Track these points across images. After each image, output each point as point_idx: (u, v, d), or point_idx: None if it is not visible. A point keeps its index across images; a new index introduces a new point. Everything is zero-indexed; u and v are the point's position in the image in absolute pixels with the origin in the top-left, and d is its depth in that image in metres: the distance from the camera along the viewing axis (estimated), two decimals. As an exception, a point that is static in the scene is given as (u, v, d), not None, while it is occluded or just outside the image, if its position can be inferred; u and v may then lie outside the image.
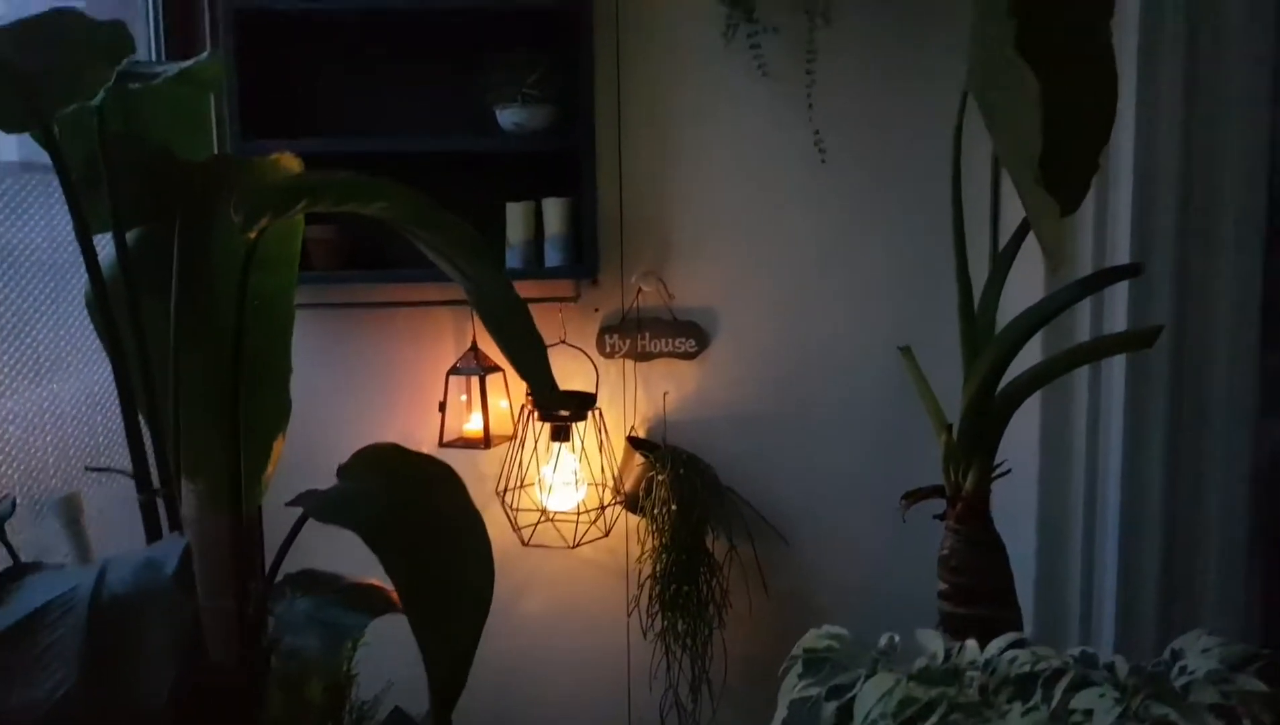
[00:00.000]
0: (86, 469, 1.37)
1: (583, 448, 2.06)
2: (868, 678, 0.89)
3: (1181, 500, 1.63)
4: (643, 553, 2.08)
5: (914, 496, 1.58)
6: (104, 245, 1.64)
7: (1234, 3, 1.57)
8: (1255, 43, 1.59)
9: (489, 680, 2.21)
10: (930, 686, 0.85)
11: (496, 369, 2.07)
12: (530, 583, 2.20)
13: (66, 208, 1.59)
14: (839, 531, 2.17)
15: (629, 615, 2.15)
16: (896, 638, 1.05)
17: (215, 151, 1.50)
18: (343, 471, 1.08)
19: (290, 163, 1.43)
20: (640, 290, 2.13)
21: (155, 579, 0.91)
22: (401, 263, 2.06)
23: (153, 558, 0.93)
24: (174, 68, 1.24)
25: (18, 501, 1.15)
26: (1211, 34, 1.58)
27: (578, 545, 2.05)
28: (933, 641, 0.95)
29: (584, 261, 2.03)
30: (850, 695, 0.91)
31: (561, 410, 2.00)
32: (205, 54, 1.35)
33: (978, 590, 1.48)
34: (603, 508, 2.07)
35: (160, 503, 1.16)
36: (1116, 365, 1.57)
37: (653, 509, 2.01)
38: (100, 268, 1.25)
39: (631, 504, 2.06)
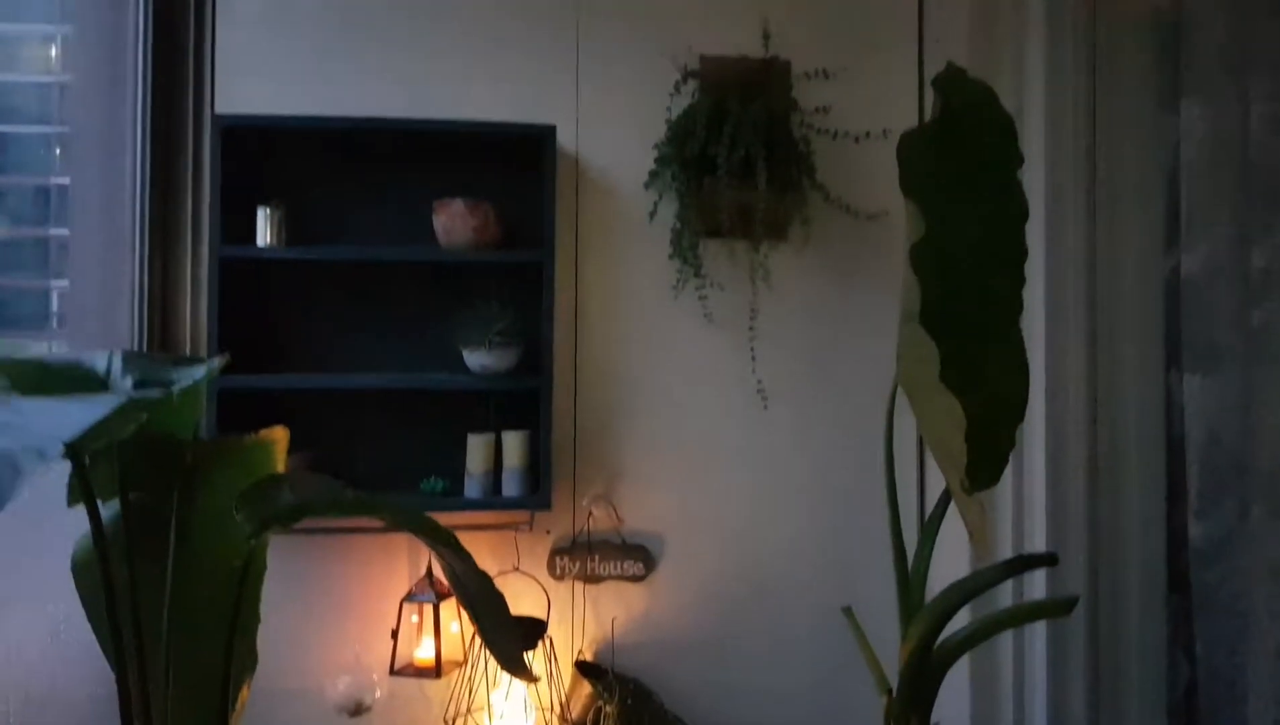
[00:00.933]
0: None
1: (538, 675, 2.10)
2: None
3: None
4: (592, 790, 2.09)
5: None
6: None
7: (1127, 263, 1.83)
8: (1149, 320, 1.86)
9: None
10: None
11: (450, 595, 2.12)
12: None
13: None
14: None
15: (573, 848, 2.13)
16: None
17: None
18: None
19: (277, 435, 1.54)
20: (591, 514, 2.24)
21: None
22: (361, 487, 2.14)
23: None
24: (187, 380, 1.34)
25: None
26: (1107, 287, 1.83)
27: (526, 781, 2.06)
28: None
29: (539, 493, 2.13)
30: None
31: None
32: (209, 366, 1.44)
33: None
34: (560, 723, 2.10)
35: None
36: (1039, 628, 1.72)
37: (602, 739, 2.05)
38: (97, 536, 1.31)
39: (579, 734, 2.09)
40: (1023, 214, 1.54)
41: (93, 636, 1.76)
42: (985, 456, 1.42)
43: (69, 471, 1.37)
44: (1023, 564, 1.50)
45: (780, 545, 2.26)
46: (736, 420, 2.27)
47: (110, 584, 1.26)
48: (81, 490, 1.25)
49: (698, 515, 2.26)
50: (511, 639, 1.30)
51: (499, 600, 1.28)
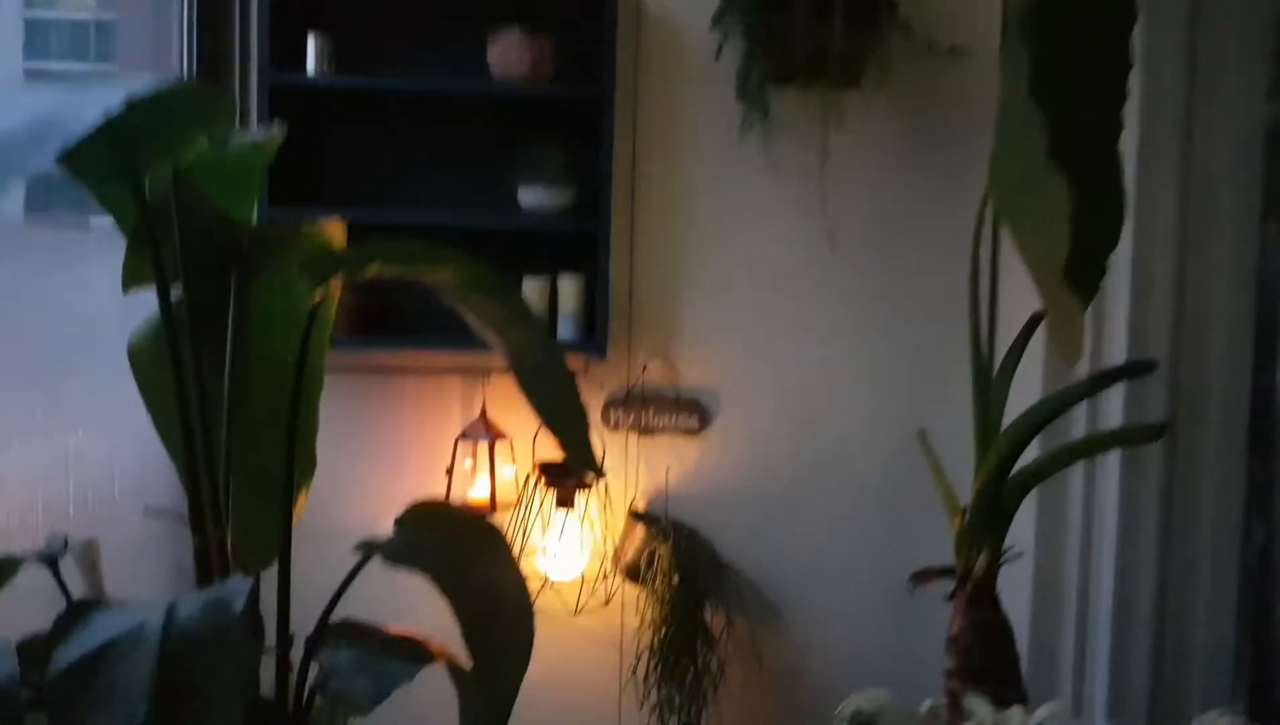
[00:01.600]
0: (145, 512, 1.36)
1: (585, 517, 2.08)
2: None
3: (1172, 589, 1.70)
4: (641, 624, 2.09)
5: (923, 577, 1.63)
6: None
7: (1225, 105, 1.72)
8: (1247, 151, 1.74)
9: None
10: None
11: (504, 436, 2.10)
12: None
13: (97, 264, 1.63)
14: (834, 610, 2.20)
15: (622, 688, 2.14)
16: (941, 702, 1.08)
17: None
18: (400, 523, 1.11)
19: (336, 230, 1.49)
20: (645, 367, 2.19)
21: (225, 618, 0.92)
22: (414, 329, 2.11)
23: (221, 598, 0.94)
24: (245, 139, 1.30)
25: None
26: (1204, 131, 1.71)
27: (579, 612, 2.05)
28: (979, 707, 0.98)
29: (594, 338, 2.09)
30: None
31: (571, 479, 2.04)
32: (267, 130, 1.40)
33: (986, 670, 1.52)
34: (604, 577, 2.09)
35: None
36: (1111, 458, 1.65)
37: (654, 581, 2.03)
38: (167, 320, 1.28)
39: (633, 574, 2.08)
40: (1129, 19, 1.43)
41: (148, 445, 1.77)
42: (1084, 263, 1.34)
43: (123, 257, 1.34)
44: (1118, 374, 1.43)
45: (843, 396, 2.20)
46: (801, 269, 2.19)
47: (179, 367, 1.22)
48: (151, 259, 1.21)
49: (757, 368, 2.21)
50: (579, 422, 1.25)
51: (566, 378, 1.24)
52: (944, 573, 1.59)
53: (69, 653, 0.87)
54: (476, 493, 2.10)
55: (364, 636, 1.12)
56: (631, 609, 2.15)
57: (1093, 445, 1.52)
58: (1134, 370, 1.41)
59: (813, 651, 2.20)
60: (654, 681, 2.05)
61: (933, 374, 2.17)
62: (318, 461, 1.52)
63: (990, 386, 1.55)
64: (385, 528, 2.06)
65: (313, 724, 1.09)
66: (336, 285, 1.59)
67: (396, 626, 1.18)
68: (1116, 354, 1.65)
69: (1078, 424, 1.69)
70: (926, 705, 1.08)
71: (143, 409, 1.71)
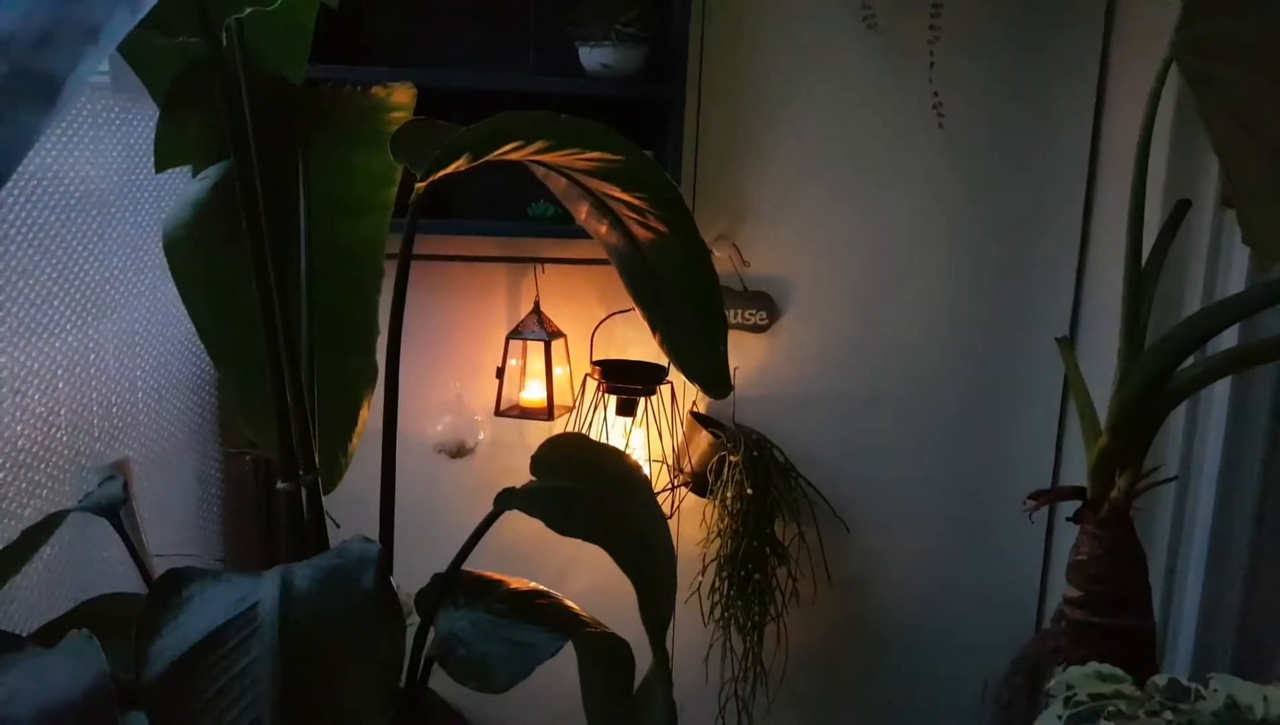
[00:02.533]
0: (226, 452, 1.15)
1: (648, 424, 1.91)
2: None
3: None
4: (709, 536, 1.95)
5: (1045, 497, 1.49)
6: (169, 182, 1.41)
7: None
8: None
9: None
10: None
11: (560, 335, 1.89)
12: (588, 560, 2.05)
13: (116, 135, 1.36)
14: (904, 522, 2.08)
15: (684, 601, 2.02)
16: (1181, 681, 0.94)
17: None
18: (537, 464, 0.92)
19: (403, 95, 1.23)
20: (712, 254, 1.97)
21: (354, 594, 0.73)
22: (462, 213, 1.87)
23: (345, 567, 0.75)
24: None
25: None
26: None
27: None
28: (1247, 693, 0.84)
29: (663, 222, 1.86)
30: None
31: (624, 368, 1.87)
32: None
33: (1117, 599, 1.40)
34: (672, 488, 1.93)
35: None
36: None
37: (724, 492, 1.88)
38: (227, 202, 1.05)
39: (700, 486, 1.93)
40: None
41: (173, 345, 1.54)
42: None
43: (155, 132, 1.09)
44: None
45: (927, 294, 2.01)
46: (899, 145, 1.95)
47: (258, 259, 0.99)
48: (200, 129, 0.96)
49: (833, 258, 2.00)
50: (715, 339, 1.06)
51: (714, 287, 1.04)
52: (1073, 493, 1.45)
53: (170, 645, 0.68)
54: (529, 396, 1.91)
55: (487, 593, 0.95)
56: (694, 519, 2.01)
57: (1255, 355, 1.36)
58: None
59: (878, 564, 2.09)
60: (720, 596, 1.94)
61: (1037, 277, 1.99)
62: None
63: (1139, 285, 1.37)
64: (426, 431, 1.88)
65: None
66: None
67: (513, 579, 1.00)
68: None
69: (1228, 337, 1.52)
70: (1163, 681, 0.94)
71: (159, 304, 1.48)
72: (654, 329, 1.17)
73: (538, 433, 1.95)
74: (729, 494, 1.87)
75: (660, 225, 1.02)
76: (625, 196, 1.01)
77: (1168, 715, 0.86)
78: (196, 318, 1.18)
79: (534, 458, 0.92)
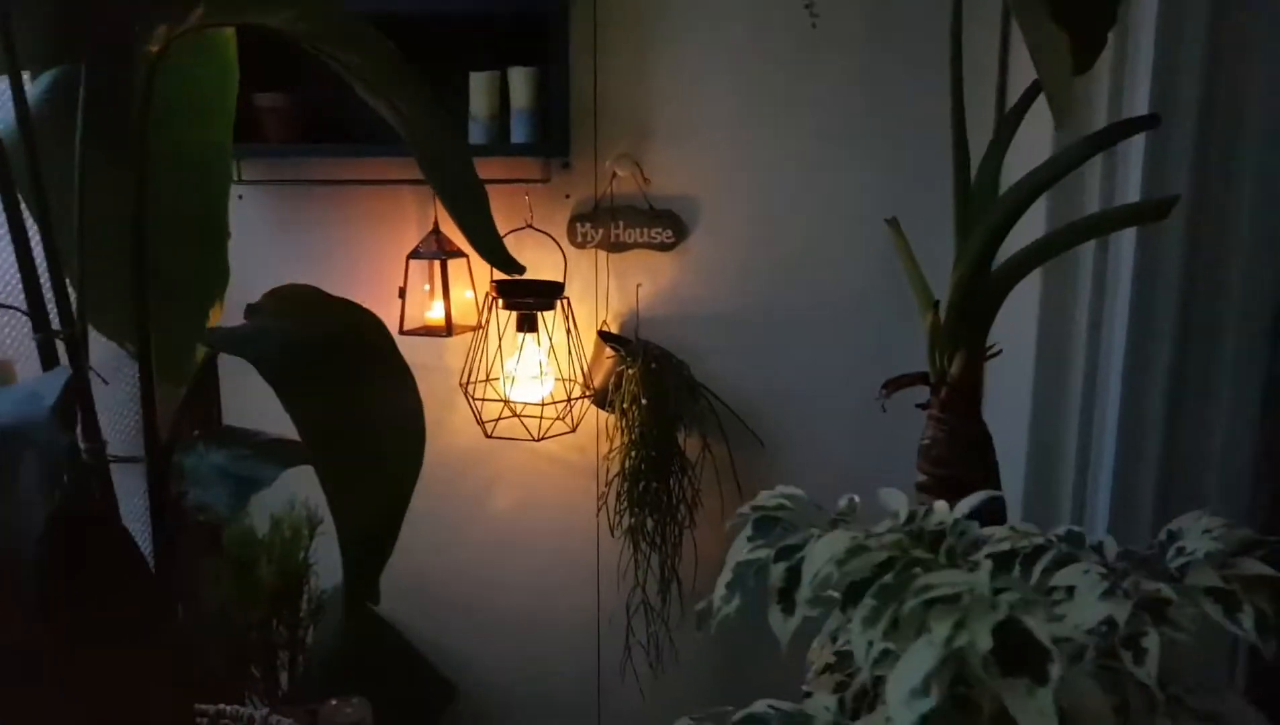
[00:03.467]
0: None
1: (550, 340, 1.95)
2: (820, 538, 0.79)
3: (1189, 385, 1.51)
4: (611, 449, 1.99)
5: (895, 384, 1.47)
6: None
7: None
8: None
9: (455, 572, 2.16)
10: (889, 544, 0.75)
11: (460, 254, 1.94)
12: (496, 477, 2.12)
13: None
14: (817, 432, 2.07)
15: (598, 513, 2.07)
16: (856, 498, 0.95)
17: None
18: (252, 310, 0.97)
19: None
20: (615, 175, 2.00)
21: (34, 411, 0.80)
22: (361, 137, 1.93)
23: (35, 390, 0.82)
24: None
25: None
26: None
27: (542, 439, 1.95)
28: (896, 500, 0.85)
29: (553, 138, 1.89)
30: (800, 556, 0.81)
31: (521, 286, 1.90)
32: None
33: (961, 483, 1.38)
34: (570, 401, 1.97)
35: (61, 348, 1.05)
36: (1126, 240, 1.44)
37: (622, 404, 1.91)
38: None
39: (600, 399, 1.96)
40: None
41: None
42: (1080, 15, 1.10)
43: None
44: (1115, 132, 1.21)
45: (828, 205, 1.99)
46: (804, 61, 1.92)
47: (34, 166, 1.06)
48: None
49: (736, 174, 1.99)
50: (481, 211, 1.09)
51: (467, 163, 1.06)
52: (920, 378, 1.43)
53: None
54: (433, 315, 1.97)
55: (236, 441, 1.01)
56: (603, 435, 2.05)
57: (1090, 227, 1.31)
58: (1135, 126, 1.18)
59: (792, 475, 2.06)
60: (625, 507, 1.97)
61: (921, 156, 1.93)
62: (255, 281, 1.36)
63: (982, 163, 1.33)
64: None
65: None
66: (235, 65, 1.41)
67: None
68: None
69: (1091, 205, 1.47)
70: (844, 501, 0.95)
71: None
72: (444, 206, 1.21)
73: (455, 353, 2.01)
74: (626, 405, 1.90)
75: (395, 91, 1.05)
76: (353, 60, 1.04)
77: (844, 524, 0.87)
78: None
79: (250, 306, 0.97)
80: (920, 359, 1.46)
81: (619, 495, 1.98)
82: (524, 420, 1.95)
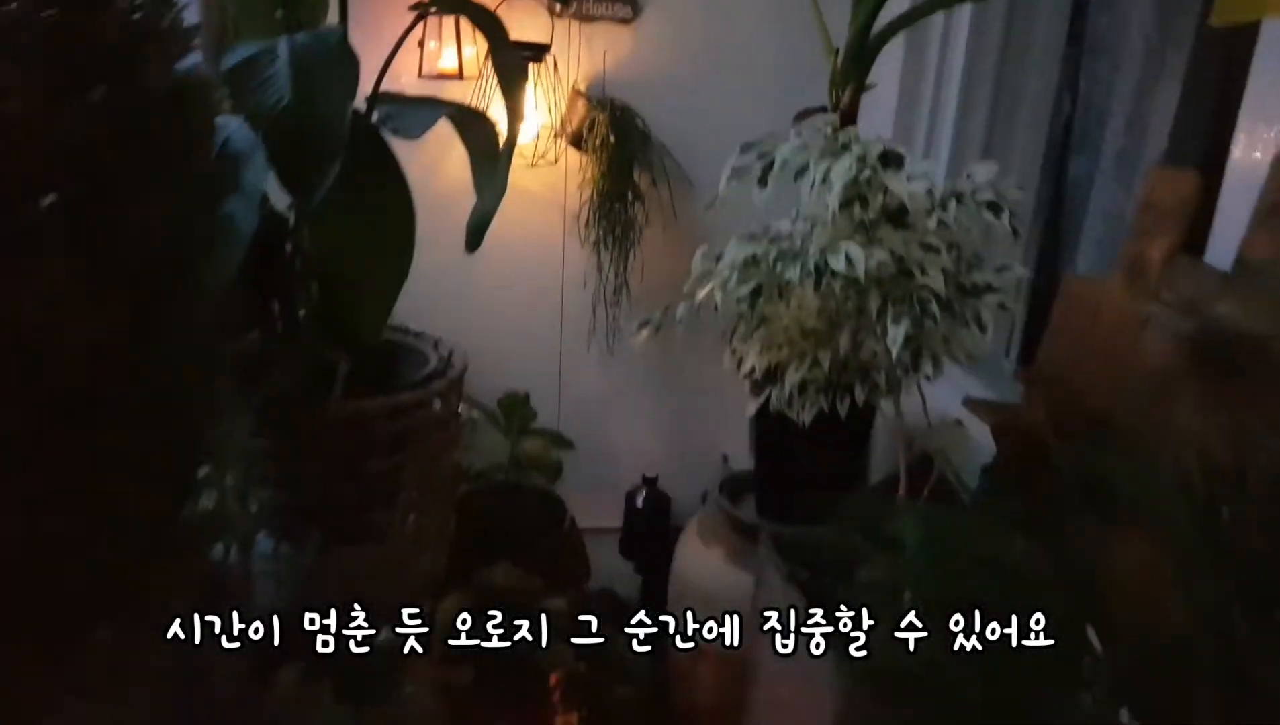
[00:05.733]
0: None
1: (538, 90, 2.50)
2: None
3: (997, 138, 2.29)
4: (583, 179, 2.60)
5: (804, 114, 2.14)
6: None
7: None
8: None
9: (447, 268, 2.67)
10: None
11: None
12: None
13: None
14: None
15: (566, 231, 2.69)
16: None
17: None
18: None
19: None
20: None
21: (327, 42, 1.34)
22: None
23: (323, 33, 1.36)
24: None
25: None
26: None
27: (535, 164, 2.55)
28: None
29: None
30: (771, 155, 1.49)
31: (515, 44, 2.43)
32: None
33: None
34: (553, 137, 2.56)
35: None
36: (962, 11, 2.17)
37: (594, 142, 2.52)
38: None
39: (576, 140, 2.55)
40: None
41: None
42: None
43: None
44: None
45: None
46: None
47: None
48: None
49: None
50: None
51: None
52: (819, 110, 2.10)
53: (231, 59, 1.29)
54: (445, 64, 2.48)
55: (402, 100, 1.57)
56: (575, 172, 2.65)
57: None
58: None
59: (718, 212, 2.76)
60: (592, 223, 2.61)
61: None
62: None
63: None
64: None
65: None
66: None
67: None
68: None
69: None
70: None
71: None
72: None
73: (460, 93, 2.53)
74: (597, 144, 2.51)
75: None
76: None
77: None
78: None
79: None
80: (823, 95, 2.12)
81: (588, 215, 2.61)
82: (518, 152, 2.52)
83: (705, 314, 1.67)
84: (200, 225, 0.98)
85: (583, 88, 2.61)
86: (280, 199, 1.43)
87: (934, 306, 1.44)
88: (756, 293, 1.53)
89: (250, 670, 1.09)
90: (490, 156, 1.59)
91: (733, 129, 2.64)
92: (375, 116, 1.53)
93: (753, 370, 1.78)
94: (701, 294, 1.58)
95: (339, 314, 1.44)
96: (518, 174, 2.62)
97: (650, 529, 2.81)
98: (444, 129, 1.76)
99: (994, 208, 1.56)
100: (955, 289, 1.52)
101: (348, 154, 1.30)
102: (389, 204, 1.42)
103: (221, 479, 1.19)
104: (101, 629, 0.76)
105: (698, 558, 2.25)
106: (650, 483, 2.81)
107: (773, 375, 1.74)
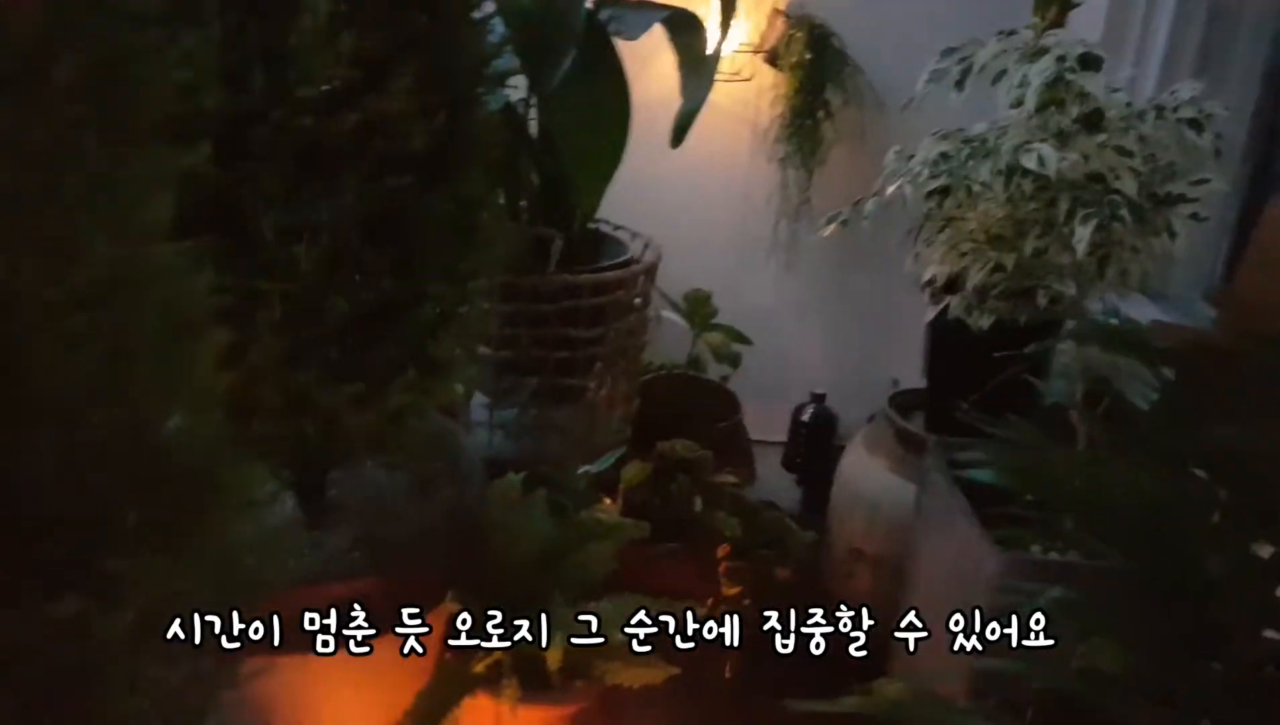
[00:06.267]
0: None
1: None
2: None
3: None
4: (775, 97, 2.69)
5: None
6: None
7: None
8: None
9: (643, 177, 2.66)
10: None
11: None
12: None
13: None
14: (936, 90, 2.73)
15: (754, 149, 2.79)
16: None
17: None
18: None
19: None
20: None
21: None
22: None
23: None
24: None
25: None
26: None
27: (729, 81, 2.66)
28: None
29: None
30: (970, 58, 1.54)
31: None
32: None
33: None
34: (752, 53, 2.66)
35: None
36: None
37: (789, 60, 2.60)
38: None
39: (771, 58, 2.64)
40: None
41: None
42: None
43: None
44: None
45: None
46: None
47: None
48: None
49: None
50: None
51: None
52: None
53: None
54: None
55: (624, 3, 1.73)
56: (768, 89, 2.73)
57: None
58: None
59: (908, 133, 2.77)
60: (781, 140, 2.70)
61: None
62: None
63: None
64: None
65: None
66: None
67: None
68: None
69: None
70: None
71: None
72: None
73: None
74: (792, 61, 2.59)
75: None
76: None
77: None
78: None
79: None
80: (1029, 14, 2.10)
81: (777, 132, 2.70)
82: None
83: (892, 212, 1.75)
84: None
85: (782, 6, 2.68)
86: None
87: (1124, 211, 1.46)
88: (945, 192, 1.59)
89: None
90: (699, 58, 1.72)
91: (933, 50, 2.69)
92: (602, 16, 1.69)
93: (933, 280, 1.84)
94: (891, 189, 1.66)
95: (564, 189, 1.64)
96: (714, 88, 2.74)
97: (815, 445, 2.90)
98: (648, 43, 1.89)
99: (1195, 125, 1.55)
100: (1147, 197, 1.54)
101: (578, 47, 1.47)
102: (611, 92, 1.59)
103: (463, 327, 1.39)
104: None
105: (862, 467, 2.33)
106: (818, 399, 2.90)
107: (953, 287, 1.80)
